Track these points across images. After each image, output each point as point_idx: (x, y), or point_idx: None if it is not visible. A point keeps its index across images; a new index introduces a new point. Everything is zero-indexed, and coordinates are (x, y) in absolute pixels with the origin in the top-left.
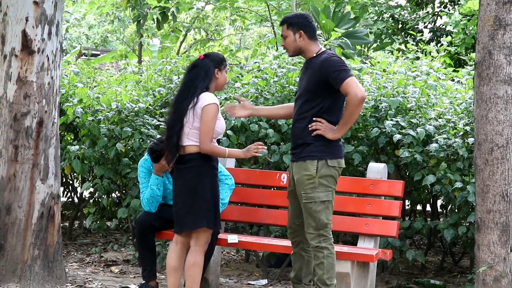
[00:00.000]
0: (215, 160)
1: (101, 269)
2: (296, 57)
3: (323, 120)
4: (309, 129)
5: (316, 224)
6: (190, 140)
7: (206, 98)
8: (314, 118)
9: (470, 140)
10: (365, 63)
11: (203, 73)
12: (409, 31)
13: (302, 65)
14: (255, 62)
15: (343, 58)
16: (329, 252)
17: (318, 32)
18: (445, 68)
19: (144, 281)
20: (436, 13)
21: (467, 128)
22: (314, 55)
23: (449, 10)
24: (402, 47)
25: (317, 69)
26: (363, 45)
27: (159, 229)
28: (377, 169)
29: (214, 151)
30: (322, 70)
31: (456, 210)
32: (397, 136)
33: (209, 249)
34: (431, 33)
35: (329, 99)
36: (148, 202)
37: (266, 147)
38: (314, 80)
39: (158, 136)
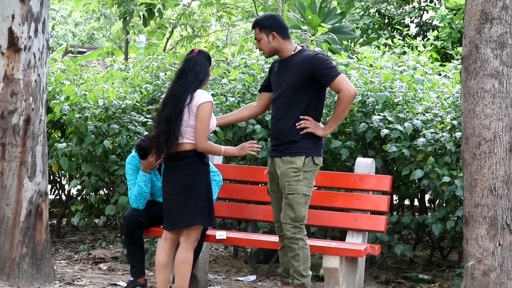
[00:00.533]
0: (208, 157)
1: (90, 266)
2: None
3: (310, 118)
4: (297, 127)
5: (295, 216)
6: (185, 138)
7: (201, 96)
8: (301, 116)
9: (458, 134)
10: (352, 58)
11: (201, 68)
12: (396, 26)
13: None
14: (242, 58)
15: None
16: (304, 244)
17: (305, 27)
18: (432, 62)
19: (132, 278)
20: (422, 7)
21: (455, 122)
22: (292, 53)
23: (435, 5)
24: (389, 42)
25: (303, 66)
26: (349, 40)
27: (147, 226)
28: (365, 164)
29: (211, 149)
30: (309, 66)
31: (444, 205)
32: (385, 131)
33: (197, 246)
34: (418, 27)
35: (315, 97)
36: (136, 199)
37: (261, 146)
38: (300, 77)
39: (146, 133)
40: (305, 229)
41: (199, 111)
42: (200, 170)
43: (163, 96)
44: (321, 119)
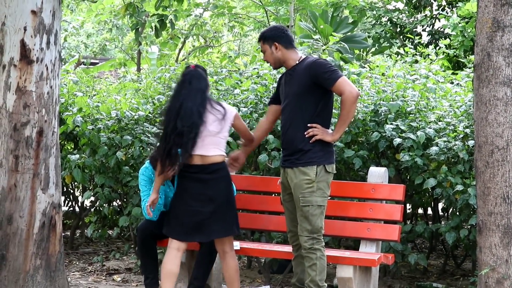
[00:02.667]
0: None
1: (104, 278)
2: None
3: (317, 125)
4: (306, 136)
5: (312, 228)
6: (217, 150)
7: (229, 107)
8: (308, 124)
9: (471, 142)
10: (364, 67)
11: (206, 83)
12: (408, 35)
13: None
14: (254, 68)
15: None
16: (321, 254)
17: (317, 37)
18: (444, 71)
19: None
20: (434, 16)
21: (467, 130)
22: (297, 62)
23: (447, 13)
24: (401, 50)
25: (305, 73)
26: (361, 49)
27: (160, 236)
28: (378, 173)
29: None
30: (311, 72)
31: (458, 213)
32: (397, 140)
33: (211, 257)
34: (430, 36)
35: (321, 103)
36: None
37: (237, 166)
38: (303, 84)
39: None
40: (323, 240)
41: (238, 119)
42: (231, 180)
43: (165, 108)
44: (330, 125)
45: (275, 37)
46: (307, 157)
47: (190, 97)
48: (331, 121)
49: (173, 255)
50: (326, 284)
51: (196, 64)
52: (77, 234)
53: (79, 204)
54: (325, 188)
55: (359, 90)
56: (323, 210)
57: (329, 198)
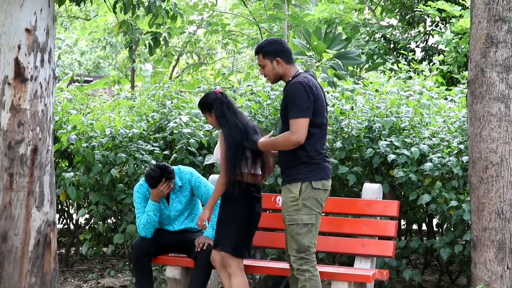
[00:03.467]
0: None
1: None
2: None
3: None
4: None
5: (298, 247)
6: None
7: None
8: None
9: (465, 158)
10: (358, 83)
11: None
12: (401, 51)
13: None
14: (248, 85)
15: (313, 83)
16: (311, 275)
17: (310, 53)
18: (438, 87)
19: None
20: (428, 32)
21: (461, 146)
22: (291, 79)
23: (441, 29)
24: (394, 67)
25: (285, 95)
26: (355, 66)
27: (155, 254)
28: (372, 190)
29: None
30: (287, 96)
31: (452, 229)
32: (391, 156)
33: (206, 273)
34: (423, 52)
35: None
36: (145, 227)
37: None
38: (283, 106)
39: (153, 161)
40: (313, 258)
41: None
42: None
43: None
44: (325, 145)
45: (277, 52)
46: (292, 174)
47: (243, 117)
48: (324, 137)
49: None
50: None
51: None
52: (72, 252)
53: (74, 222)
54: (313, 206)
55: (299, 138)
56: (311, 228)
57: (322, 215)
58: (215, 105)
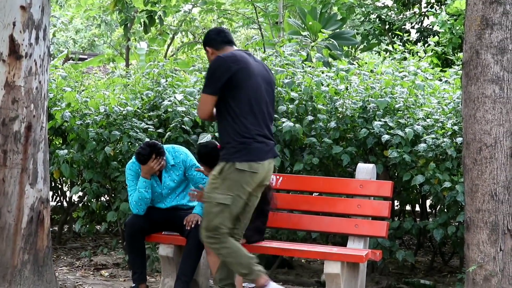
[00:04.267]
0: None
1: (91, 272)
2: (284, 58)
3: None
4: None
5: (207, 225)
6: None
7: None
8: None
9: (459, 139)
10: (353, 64)
11: None
12: (396, 32)
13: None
14: None
15: (235, 58)
16: (226, 252)
17: (305, 33)
18: (433, 68)
19: (134, 284)
20: (423, 13)
21: (455, 128)
22: None
23: (436, 10)
24: (389, 47)
25: None
26: (350, 46)
27: (148, 231)
28: (366, 170)
29: None
30: None
31: (445, 210)
32: (386, 137)
33: (198, 251)
34: (418, 33)
35: (225, 101)
36: (137, 204)
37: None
38: None
39: (147, 139)
40: (224, 238)
41: None
42: None
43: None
44: (262, 125)
45: (206, 43)
46: (222, 154)
47: None
48: (258, 116)
49: None
50: (254, 267)
51: None
52: (65, 229)
53: (67, 199)
54: (232, 187)
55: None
56: (224, 209)
57: (243, 200)
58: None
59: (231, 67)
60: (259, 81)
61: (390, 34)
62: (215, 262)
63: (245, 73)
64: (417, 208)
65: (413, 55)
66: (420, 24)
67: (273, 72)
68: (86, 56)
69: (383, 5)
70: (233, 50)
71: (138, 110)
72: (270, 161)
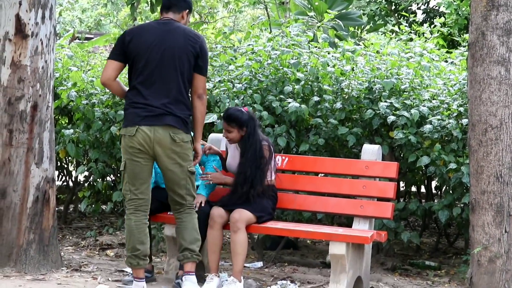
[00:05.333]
0: None
1: (97, 252)
2: (290, 39)
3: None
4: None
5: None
6: None
7: None
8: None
9: (464, 121)
10: (359, 44)
11: None
12: (402, 13)
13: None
14: (249, 45)
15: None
16: (126, 223)
17: (311, 14)
18: (439, 49)
19: None
20: None
21: (461, 109)
22: None
23: None
24: (396, 28)
25: None
26: (356, 27)
27: (153, 211)
28: (371, 151)
29: None
30: None
31: (451, 191)
32: (391, 118)
33: (203, 231)
34: (424, 14)
35: (128, 69)
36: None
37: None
38: None
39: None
40: (130, 206)
41: None
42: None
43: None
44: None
45: None
46: None
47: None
48: (144, 83)
49: None
50: (135, 251)
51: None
52: (71, 209)
53: (73, 179)
54: (124, 153)
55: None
56: (124, 174)
57: (134, 163)
58: (249, 124)
59: (125, 38)
60: (156, 51)
61: (396, 15)
62: (215, 238)
63: (137, 44)
64: (423, 189)
65: (419, 36)
66: (426, 5)
67: (279, 52)
68: (92, 36)
69: None
70: (158, 19)
71: None
72: (155, 128)
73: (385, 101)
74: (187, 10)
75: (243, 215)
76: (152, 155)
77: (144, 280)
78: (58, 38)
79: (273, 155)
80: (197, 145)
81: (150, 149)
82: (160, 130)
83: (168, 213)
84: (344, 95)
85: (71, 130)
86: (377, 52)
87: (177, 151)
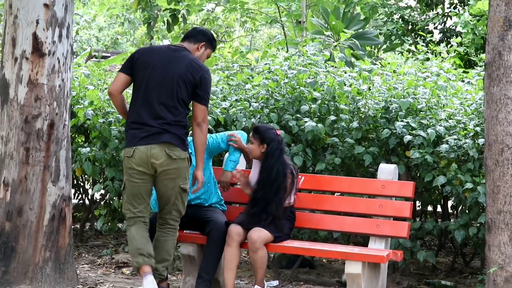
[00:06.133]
0: None
1: (112, 270)
2: (307, 58)
3: None
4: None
5: None
6: None
7: None
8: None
9: (481, 141)
10: (375, 64)
11: None
12: (419, 32)
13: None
14: (266, 64)
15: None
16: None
17: (328, 33)
18: (455, 69)
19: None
20: (446, 13)
21: (478, 129)
22: None
23: (459, 11)
24: (412, 48)
25: None
26: (373, 46)
27: None
28: (388, 170)
29: None
30: None
31: (467, 211)
32: (408, 137)
33: (221, 248)
34: (441, 34)
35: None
36: (152, 202)
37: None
38: None
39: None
40: (131, 223)
41: None
42: None
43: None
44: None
45: None
46: None
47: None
48: (141, 105)
49: None
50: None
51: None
52: (87, 227)
53: (89, 197)
54: (124, 173)
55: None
56: (124, 193)
57: (132, 183)
58: (271, 144)
59: (135, 56)
60: (159, 73)
61: (413, 34)
62: (232, 256)
63: (142, 63)
64: (439, 209)
65: (435, 56)
66: (443, 24)
67: (296, 71)
68: (109, 54)
69: (406, 5)
70: (172, 44)
71: None
72: (152, 146)
73: (402, 121)
74: (204, 43)
75: (261, 235)
76: (151, 174)
77: (151, 273)
78: (75, 56)
79: (297, 180)
80: (198, 172)
81: (148, 167)
82: (156, 148)
83: (184, 231)
84: (360, 115)
85: (88, 149)
86: (394, 71)
87: (173, 167)
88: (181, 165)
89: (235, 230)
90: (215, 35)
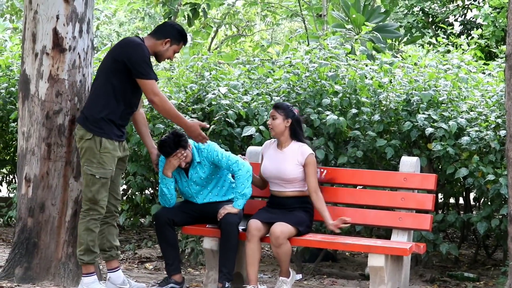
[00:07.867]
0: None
1: (135, 265)
2: (328, 51)
3: None
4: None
5: None
6: None
7: None
8: None
9: (502, 132)
10: (396, 57)
11: None
12: (440, 25)
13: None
14: (287, 57)
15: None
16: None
17: (349, 26)
18: (476, 61)
19: (167, 276)
20: (466, 6)
21: (499, 120)
22: None
23: (479, 3)
24: (433, 40)
25: None
26: (393, 39)
27: (179, 224)
28: (409, 163)
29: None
30: None
31: (489, 203)
32: (429, 130)
33: (229, 243)
34: (462, 26)
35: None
36: (160, 197)
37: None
38: None
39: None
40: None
41: None
42: None
43: None
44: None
45: None
46: None
47: None
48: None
49: None
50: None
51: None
52: None
53: None
54: None
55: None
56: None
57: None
58: (294, 119)
59: None
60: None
61: (433, 26)
62: (253, 251)
63: None
64: (461, 201)
65: (456, 48)
66: (463, 16)
67: (317, 65)
68: None
69: None
70: None
71: (182, 103)
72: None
73: (423, 113)
74: (169, 39)
75: (284, 230)
76: None
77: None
78: (95, 52)
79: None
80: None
81: None
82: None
83: (207, 226)
84: (382, 107)
85: None
86: (415, 64)
87: (78, 146)
88: (84, 145)
89: (255, 225)
90: (235, 30)
